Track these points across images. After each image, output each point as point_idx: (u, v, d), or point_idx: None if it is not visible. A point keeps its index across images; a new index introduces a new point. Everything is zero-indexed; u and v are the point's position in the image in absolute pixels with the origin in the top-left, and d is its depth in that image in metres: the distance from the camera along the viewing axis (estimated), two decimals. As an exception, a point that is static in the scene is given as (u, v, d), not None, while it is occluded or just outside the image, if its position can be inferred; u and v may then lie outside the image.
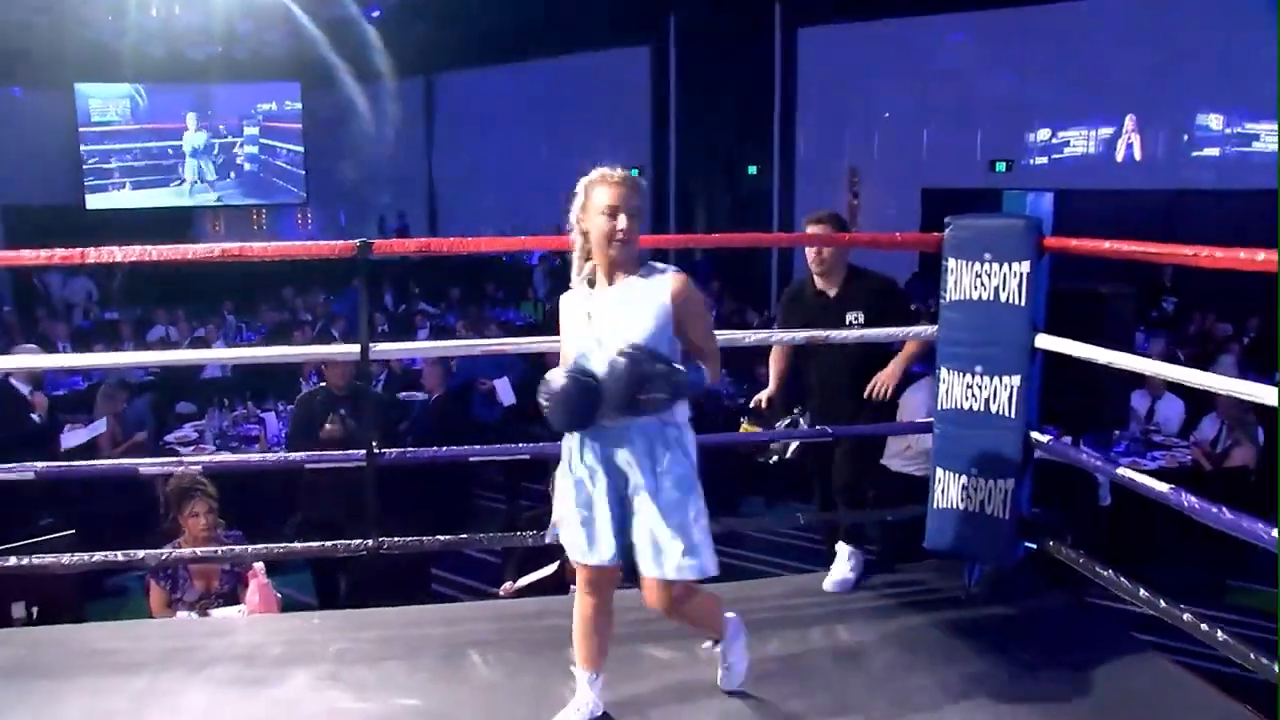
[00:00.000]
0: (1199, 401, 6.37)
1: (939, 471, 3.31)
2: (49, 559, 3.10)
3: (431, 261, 13.13)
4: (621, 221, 2.42)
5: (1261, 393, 2.48)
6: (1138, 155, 11.20)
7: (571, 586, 4.20)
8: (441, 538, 3.28)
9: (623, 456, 2.45)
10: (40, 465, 3.07)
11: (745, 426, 3.66)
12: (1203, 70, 10.46)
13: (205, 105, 16.55)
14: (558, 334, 2.64)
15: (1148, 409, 6.63)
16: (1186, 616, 2.64)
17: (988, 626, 3.22)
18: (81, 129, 16.10)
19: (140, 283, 14.17)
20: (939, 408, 3.29)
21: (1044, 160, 11.90)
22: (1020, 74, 11.62)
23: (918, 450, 5.38)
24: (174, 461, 3.28)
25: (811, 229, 3.59)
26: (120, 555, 3.12)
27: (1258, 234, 3.16)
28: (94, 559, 3.05)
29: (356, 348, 3.14)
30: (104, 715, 2.75)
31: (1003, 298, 3.04)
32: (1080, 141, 11.65)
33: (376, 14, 14.81)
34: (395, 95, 16.25)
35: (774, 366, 3.82)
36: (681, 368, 2.37)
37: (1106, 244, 2.92)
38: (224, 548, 3.50)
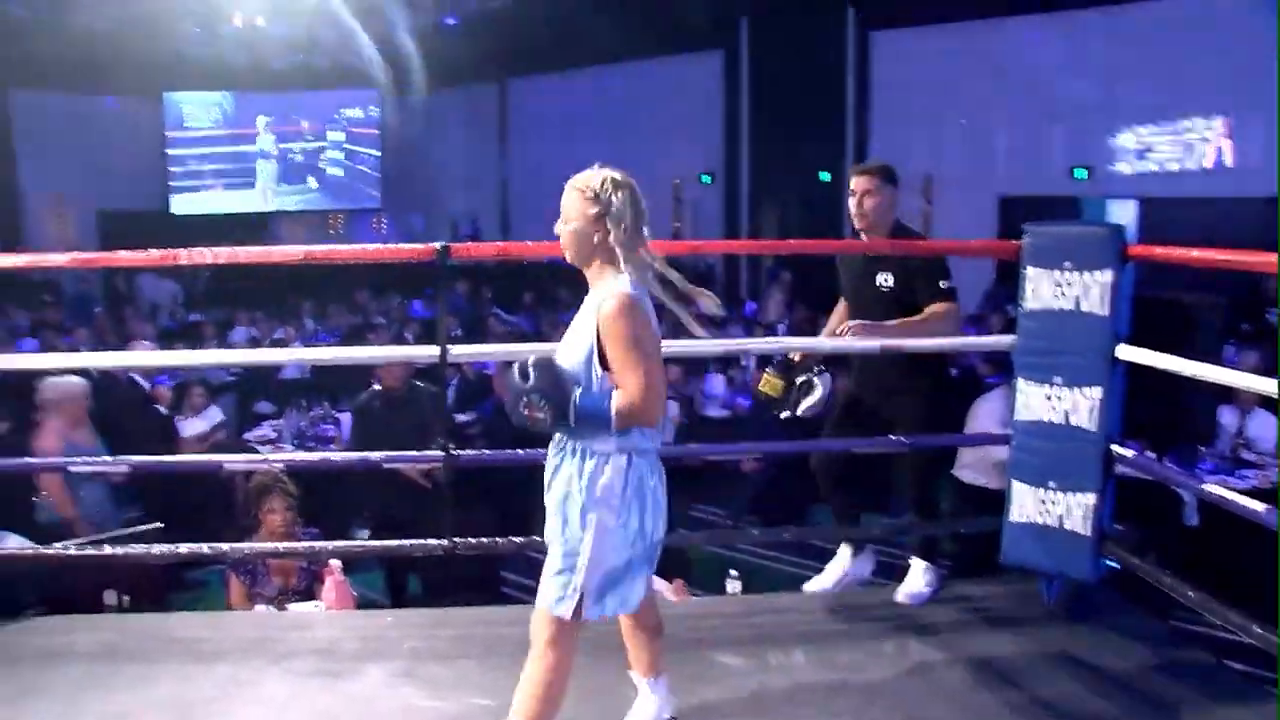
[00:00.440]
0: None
1: (1015, 484, 3.24)
2: (139, 549, 3.21)
3: (504, 266, 13.28)
4: (558, 227, 2.39)
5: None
6: (1229, 161, 10.79)
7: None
8: (515, 539, 3.32)
9: (551, 475, 2.40)
10: (135, 459, 3.19)
11: (765, 377, 3.53)
12: (1300, 71, 10.06)
13: (285, 112, 17.02)
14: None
15: (1238, 425, 6.39)
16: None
17: (1066, 646, 3.15)
18: (168, 135, 16.69)
19: (222, 285, 14.64)
20: (1015, 419, 3.22)
21: (1127, 167, 11.57)
22: (1103, 76, 11.28)
23: (990, 462, 5.28)
24: (259, 459, 3.36)
25: (856, 180, 3.42)
26: (206, 548, 3.23)
27: (1358, 244, 3.04)
28: (181, 551, 3.16)
29: (436, 349, 3.19)
30: (190, 702, 2.85)
31: (1084, 307, 2.97)
32: (1167, 147, 11.26)
33: (453, 21, 15.09)
34: (470, 101, 16.53)
35: (830, 321, 3.69)
36: (577, 392, 2.25)
37: (1194, 252, 2.85)
38: (304, 544, 3.59)
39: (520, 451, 3.20)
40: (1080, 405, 3.01)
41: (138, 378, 6.84)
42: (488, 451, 3.89)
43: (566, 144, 15.41)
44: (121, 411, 6.72)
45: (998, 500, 5.18)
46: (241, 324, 10.84)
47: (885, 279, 3.36)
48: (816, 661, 3.09)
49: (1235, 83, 10.35)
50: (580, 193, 2.32)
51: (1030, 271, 3.11)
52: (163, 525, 4.42)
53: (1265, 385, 2.70)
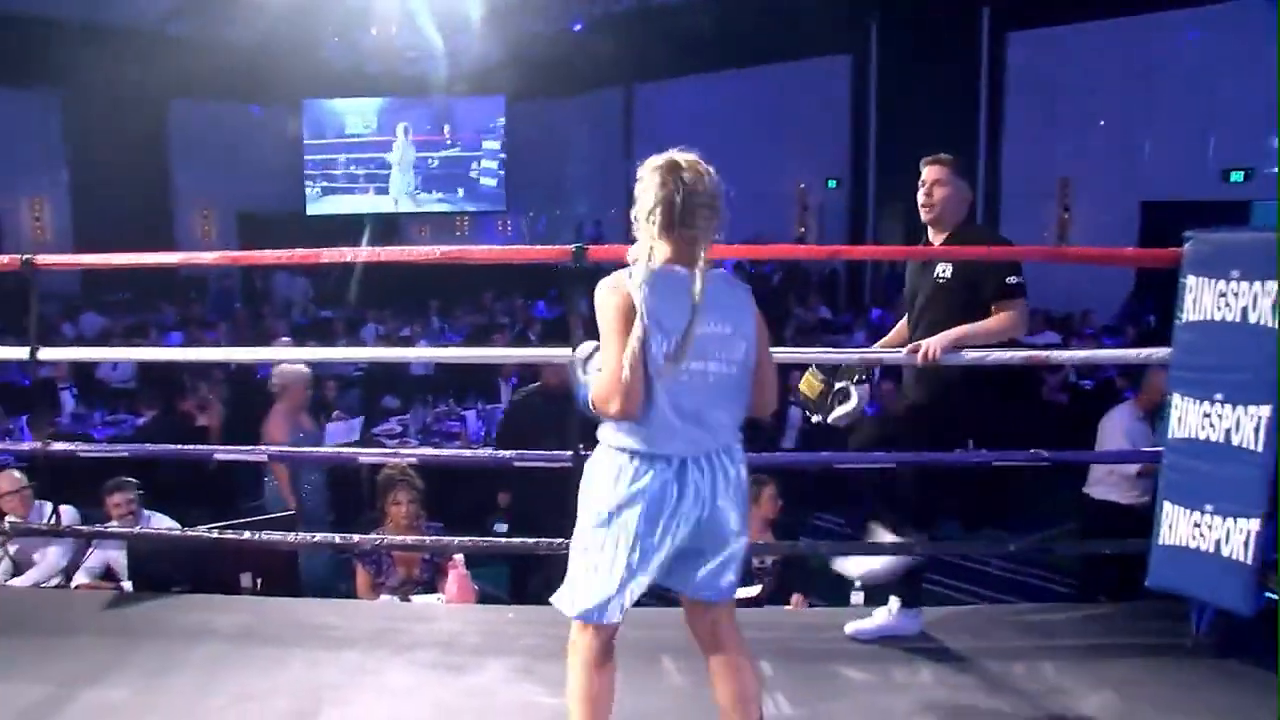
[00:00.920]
0: None
1: (1166, 505, 3.04)
2: (276, 536, 3.32)
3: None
4: None
5: None
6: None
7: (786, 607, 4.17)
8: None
9: None
10: (273, 449, 3.30)
11: (806, 377, 3.36)
12: None
13: (417, 117, 17.55)
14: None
15: None
16: None
17: (1218, 681, 2.95)
18: (306, 141, 17.44)
19: (352, 283, 15.19)
20: (1169, 436, 3.02)
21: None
22: (1261, 73, 10.59)
23: (1120, 476, 5.01)
24: (388, 453, 3.43)
25: (927, 170, 3.19)
26: (337, 538, 3.31)
27: None
28: (315, 539, 3.25)
29: (567, 351, 3.19)
30: (319, 685, 2.93)
31: (1251, 319, 2.76)
32: (1331, 149, 10.50)
33: (579, 27, 15.28)
34: (595, 105, 16.72)
35: (895, 330, 3.48)
36: (585, 378, 2.21)
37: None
38: (431, 538, 3.67)
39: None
40: (1244, 424, 2.79)
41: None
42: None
43: (691, 148, 15.39)
44: (261, 406, 7.03)
45: (1129, 516, 4.99)
46: (371, 321, 11.22)
47: (944, 270, 3.14)
48: (945, 679, 2.97)
49: None
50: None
51: (1191, 281, 2.91)
52: (294, 513, 4.60)
53: None
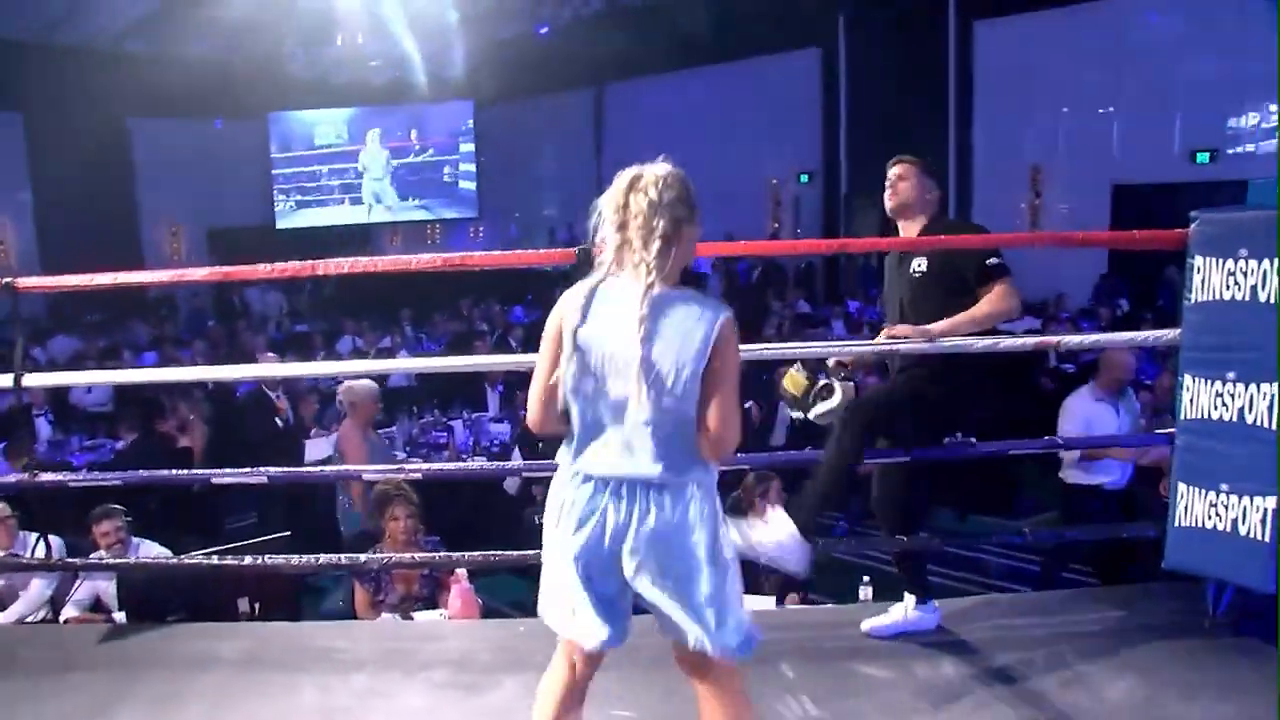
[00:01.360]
0: None
1: (1180, 486, 3.02)
2: (279, 559, 3.24)
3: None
4: None
5: None
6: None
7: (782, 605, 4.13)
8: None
9: None
10: (273, 470, 3.22)
11: (789, 373, 3.28)
12: None
13: (385, 126, 17.40)
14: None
15: None
16: None
17: (1240, 661, 2.94)
18: (273, 155, 17.23)
19: (325, 296, 15.01)
20: (1181, 418, 3.01)
21: (1252, 148, 10.92)
22: (1222, 56, 10.70)
23: (1078, 458, 5.03)
24: (394, 468, 3.35)
25: (892, 169, 3.19)
26: (342, 558, 3.23)
27: None
28: (319, 561, 3.17)
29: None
30: (331, 711, 2.85)
31: (1261, 297, 2.75)
32: (1296, 127, 10.62)
33: (544, 30, 15.20)
34: (565, 107, 16.63)
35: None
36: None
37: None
38: (440, 554, 3.60)
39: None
40: (1257, 402, 2.78)
41: (267, 390, 7.03)
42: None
43: (662, 147, 15.32)
44: (244, 423, 6.92)
45: (1096, 497, 5.01)
46: (348, 333, 11.07)
47: (919, 264, 3.10)
48: (968, 672, 2.94)
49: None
50: None
51: (1199, 261, 2.89)
52: (290, 534, 4.51)
53: None
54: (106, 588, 4.37)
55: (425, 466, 3.52)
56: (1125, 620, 3.27)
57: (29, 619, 4.31)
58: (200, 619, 3.71)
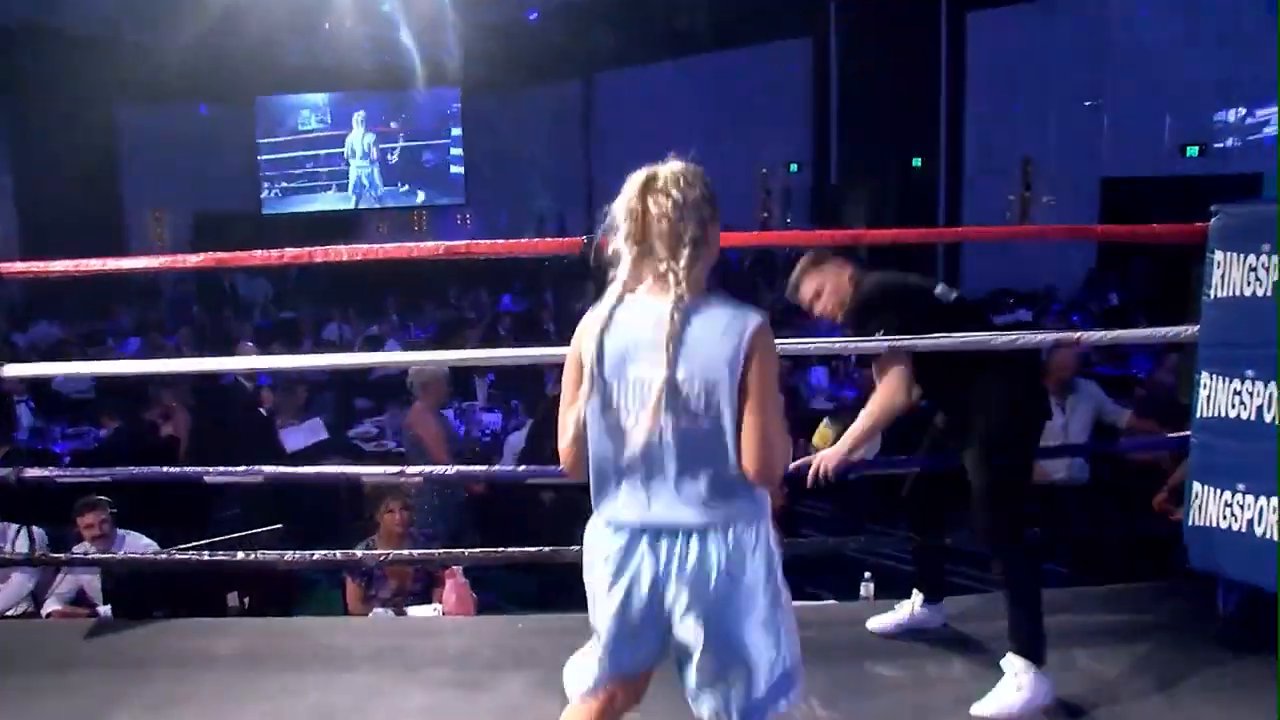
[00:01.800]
0: None
1: (1196, 485, 2.99)
2: (273, 555, 3.16)
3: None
4: None
5: None
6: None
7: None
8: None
9: None
10: (269, 469, 3.13)
11: (820, 429, 3.22)
12: None
13: (372, 112, 17.20)
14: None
15: None
16: None
17: (1254, 661, 2.89)
18: (259, 140, 17.01)
19: (311, 283, 14.84)
20: (1198, 416, 2.97)
21: (1239, 142, 10.94)
22: (1214, 49, 10.69)
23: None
24: (396, 472, 3.27)
25: (804, 287, 3.01)
26: (339, 554, 3.16)
27: None
28: (314, 557, 3.09)
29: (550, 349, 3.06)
30: (331, 711, 2.78)
31: (1283, 293, 2.71)
32: (1285, 120, 10.60)
33: (534, 17, 15.04)
34: (554, 96, 16.48)
35: None
36: None
37: None
38: (440, 550, 3.52)
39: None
40: (1276, 401, 2.74)
41: (243, 380, 6.89)
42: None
43: (653, 136, 15.25)
44: (229, 413, 6.80)
45: (1061, 492, 4.96)
46: (334, 320, 10.95)
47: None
48: (979, 671, 2.89)
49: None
50: None
51: (1219, 256, 2.85)
52: (281, 527, 4.41)
53: None
54: (90, 581, 4.26)
55: (426, 469, 3.42)
56: (1133, 617, 3.24)
57: (10, 613, 4.21)
58: (188, 613, 3.61)
